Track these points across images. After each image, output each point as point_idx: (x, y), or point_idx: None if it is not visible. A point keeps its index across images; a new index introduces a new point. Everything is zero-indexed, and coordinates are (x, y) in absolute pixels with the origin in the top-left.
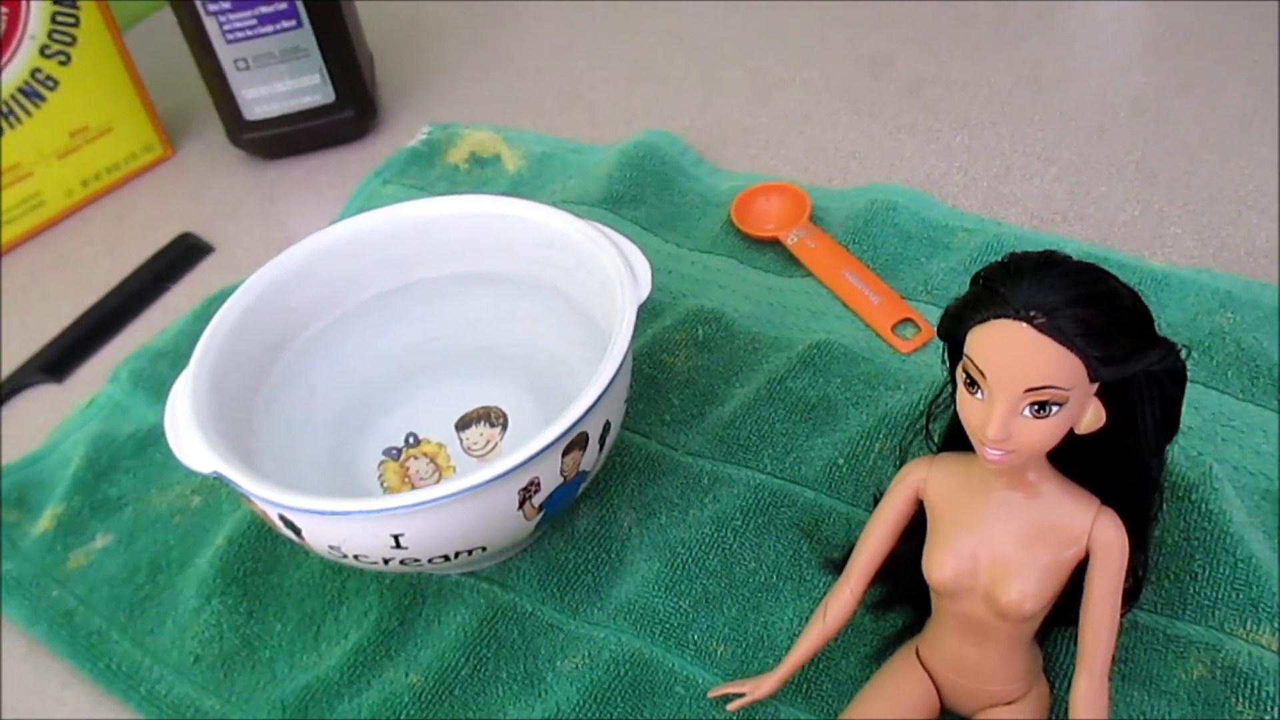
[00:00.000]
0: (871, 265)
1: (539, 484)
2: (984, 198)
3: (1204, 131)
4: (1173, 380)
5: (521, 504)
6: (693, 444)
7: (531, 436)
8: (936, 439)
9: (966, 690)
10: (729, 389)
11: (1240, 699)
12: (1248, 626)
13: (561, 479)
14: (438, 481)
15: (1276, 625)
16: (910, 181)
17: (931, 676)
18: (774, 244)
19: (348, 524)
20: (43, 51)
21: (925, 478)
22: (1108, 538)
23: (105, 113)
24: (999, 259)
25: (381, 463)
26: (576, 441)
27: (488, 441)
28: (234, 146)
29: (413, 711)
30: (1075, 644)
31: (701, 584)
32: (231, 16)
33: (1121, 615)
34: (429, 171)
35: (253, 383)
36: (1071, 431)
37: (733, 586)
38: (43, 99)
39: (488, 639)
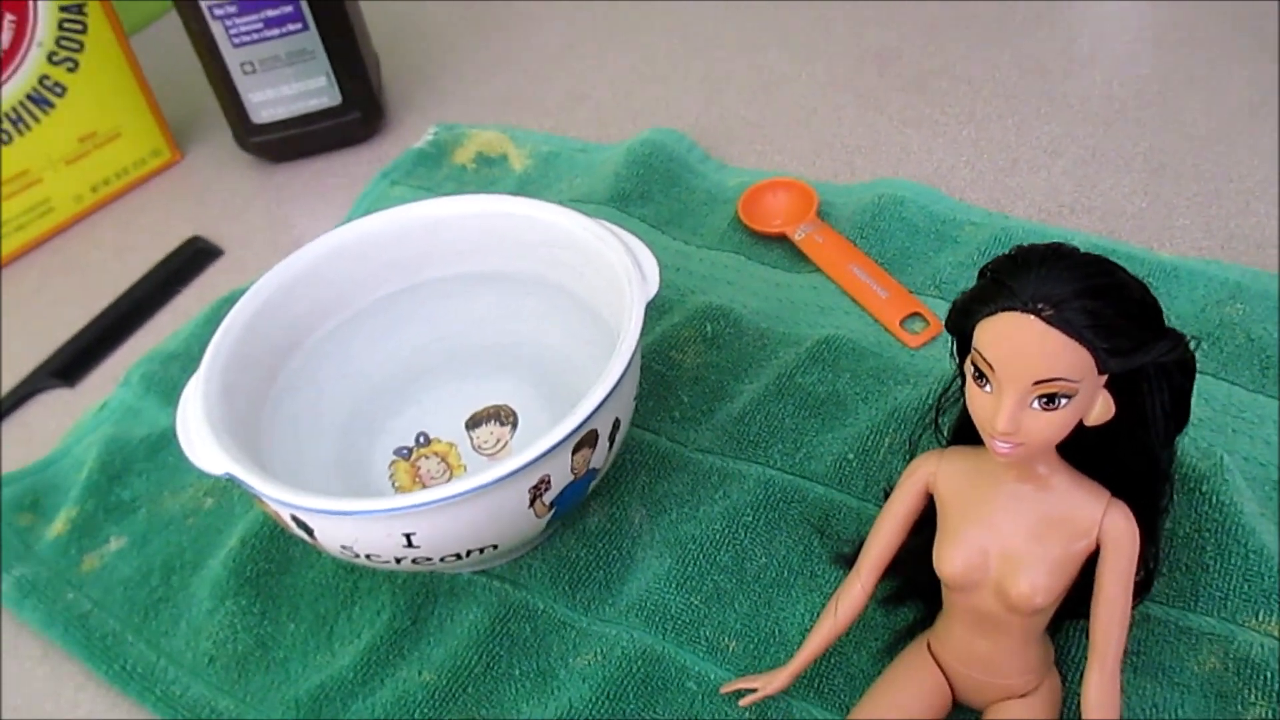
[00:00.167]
0: (879, 260)
1: (549, 482)
2: (991, 191)
3: (1211, 123)
4: (1182, 371)
5: (532, 502)
6: (703, 440)
7: (542, 434)
8: (946, 433)
9: (978, 684)
10: (738, 385)
11: (1253, 690)
12: (1260, 618)
13: (572, 476)
14: (449, 480)
15: None
16: (917, 176)
17: (943, 670)
18: (781, 240)
19: (359, 523)
20: (50, 58)
21: (935, 471)
22: (1118, 530)
23: (113, 118)
24: (1006, 252)
25: (393, 463)
26: (586, 439)
27: (498, 440)
28: (241, 150)
29: (426, 710)
30: (1087, 637)
31: (713, 580)
32: (237, 20)
33: (1133, 608)
34: (436, 172)
35: (263, 385)
36: (1081, 424)
37: (744, 582)
38: (51, 105)
39: (500, 637)
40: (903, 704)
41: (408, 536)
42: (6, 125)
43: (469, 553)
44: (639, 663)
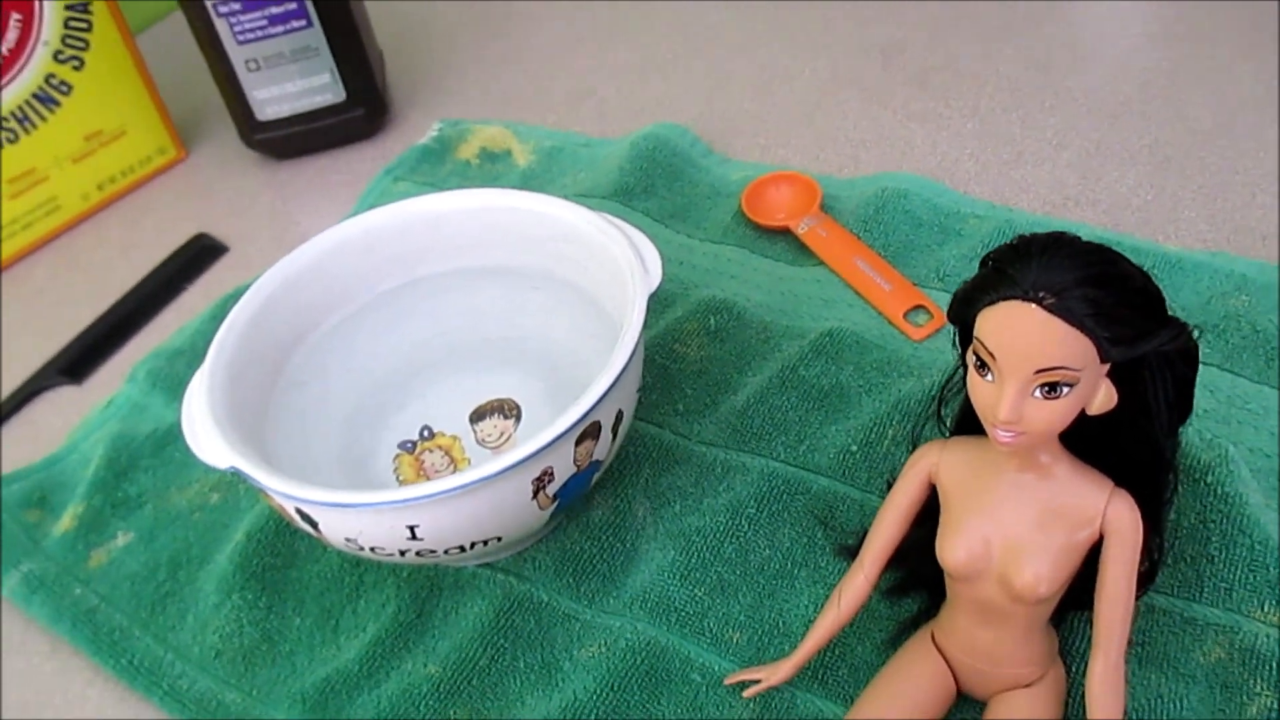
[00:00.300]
0: (883, 253)
1: (552, 473)
2: (995, 184)
3: (1216, 116)
4: (1185, 360)
5: (535, 494)
6: (706, 433)
7: (545, 427)
8: (948, 423)
9: (982, 674)
10: (741, 378)
11: (1259, 681)
12: (1265, 609)
13: (575, 468)
14: (453, 473)
15: None
16: (921, 170)
17: (947, 661)
18: (785, 233)
19: (364, 516)
20: (56, 57)
21: (937, 462)
22: (1122, 519)
23: (119, 116)
24: (1008, 241)
25: (396, 456)
26: (589, 431)
27: (501, 433)
28: (246, 147)
29: (432, 702)
30: (1091, 628)
31: (717, 572)
32: (242, 18)
33: (1137, 598)
34: (440, 168)
35: (267, 380)
36: (1084, 413)
37: (748, 574)
38: (57, 104)
39: (505, 629)
40: (907, 695)
41: (412, 529)
42: (13, 124)
43: (473, 545)
44: (643, 654)
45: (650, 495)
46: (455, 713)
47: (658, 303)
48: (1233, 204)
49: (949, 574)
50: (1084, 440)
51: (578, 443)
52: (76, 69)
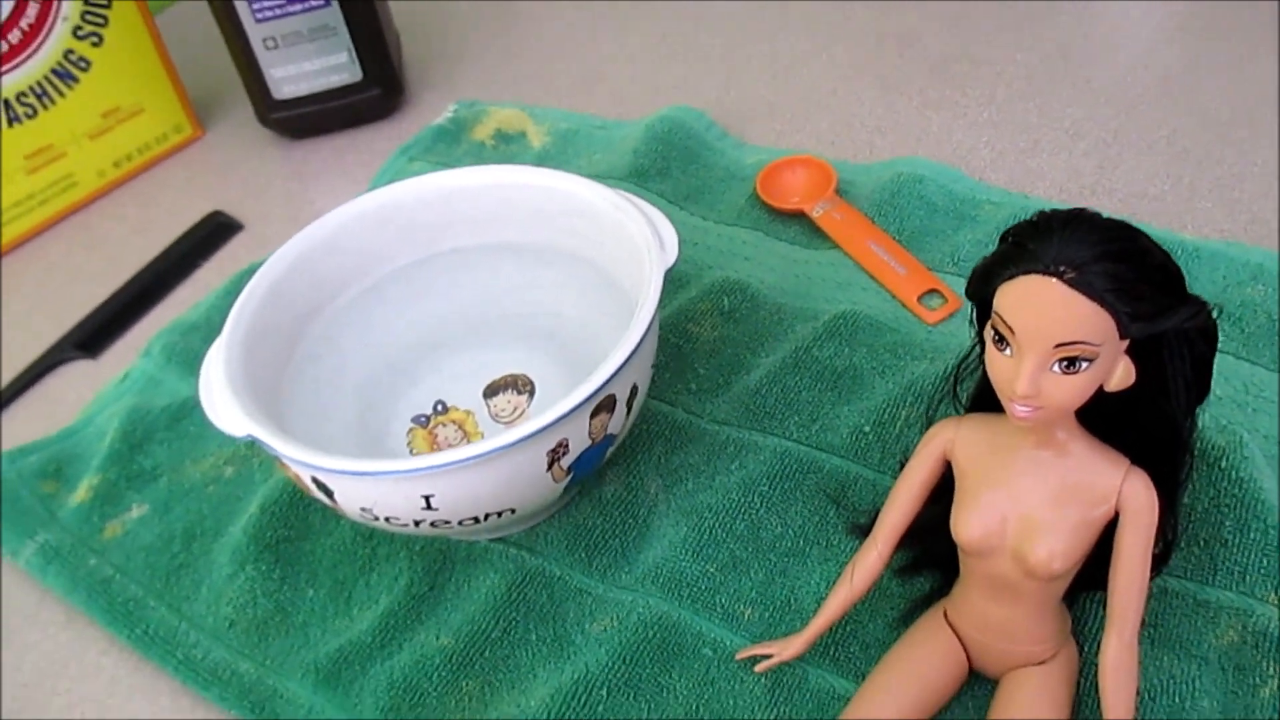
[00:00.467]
0: (898, 237)
1: (567, 445)
2: (1011, 172)
3: (1235, 108)
4: (1204, 339)
5: (550, 465)
6: (719, 412)
7: (558, 403)
8: (964, 401)
9: (995, 651)
10: (755, 359)
11: (1271, 663)
12: (1278, 592)
13: (590, 441)
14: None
15: None
16: (937, 157)
17: (960, 638)
18: (800, 217)
19: (379, 485)
20: (75, 33)
21: (953, 438)
22: (1138, 497)
23: (136, 94)
24: (1028, 217)
25: (410, 430)
26: (604, 404)
27: (515, 408)
28: (263, 126)
29: (444, 673)
30: (1104, 609)
31: (729, 548)
32: None
33: (1151, 579)
34: (455, 149)
35: (283, 352)
36: (1102, 390)
37: (759, 551)
38: (75, 80)
39: (517, 602)
40: (919, 671)
41: (427, 499)
42: (31, 99)
43: (487, 516)
44: (655, 629)
45: (663, 472)
46: (467, 684)
47: (671, 283)
48: (1250, 194)
49: (963, 550)
50: (1101, 418)
51: (593, 415)
52: (95, 45)
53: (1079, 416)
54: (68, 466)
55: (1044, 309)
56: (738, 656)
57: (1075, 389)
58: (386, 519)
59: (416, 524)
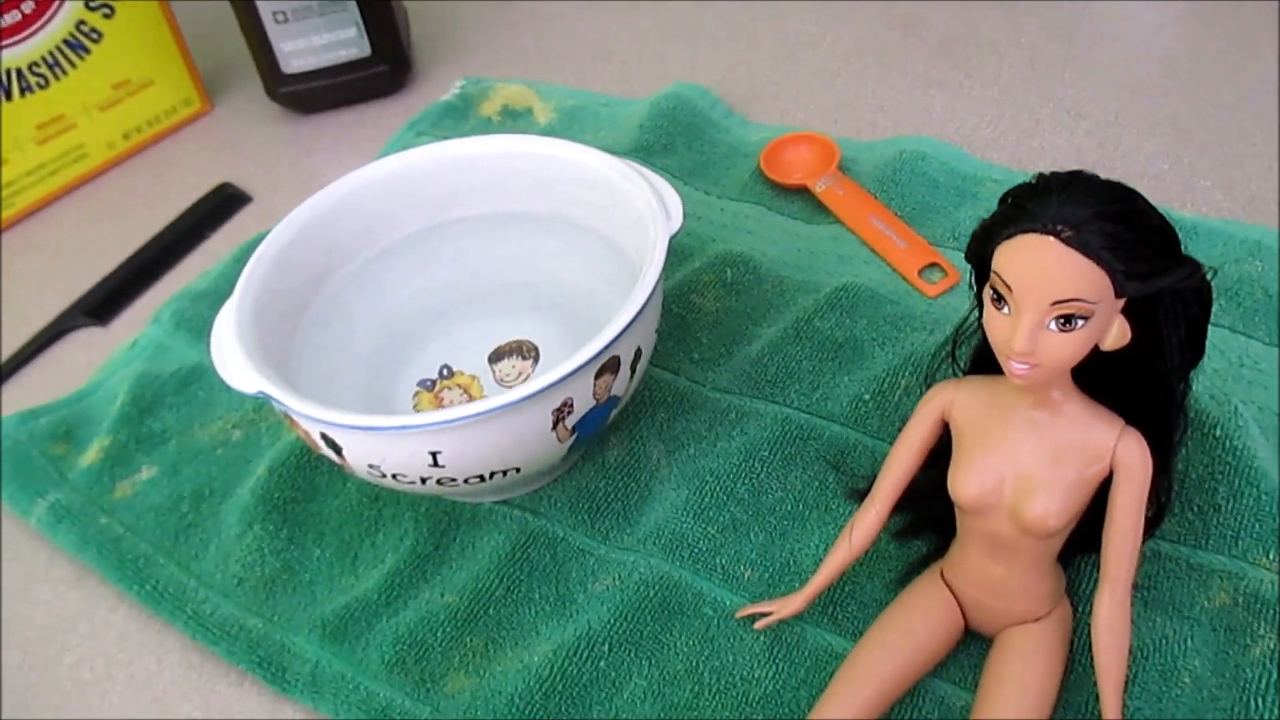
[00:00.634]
0: (899, 213)
1: (572, 405)
2: (1013, 151)
3: (1236, 90)
4: (1198, 301)
5: (555, 425)
6: (721, 381)
7: (563, 363)
8: (963, 364)
9: (991, 609)
10: (756, 329)
11: (1262, 624)
12: (1270, 556)
13: (594, 401)
14: None
15: None
16: (940, 136)
17: (956, 597)
18: (803, 192)
19: (387, 440)
20: (88, 4)
21: (951, 400)
22: (1132, 456)
23: (147, 67)
24: (1027, 180)
25: (416, 393)
26: (608, 365)
27: (520, 373)
28: (271, 101)
29: (449, 629)
30: (1098, 571)
31: (729, 511)
32: None
33: (1144, 541)
34: (462, 124)
35: (292, 316)
36: (1097, 351)
37: (760, 514)
38: (87, 51)
39: (520, 562)
40: (915, 628)
41: (434, 455)
42: (44, 69)
43: (492, 475)
44: (656, 588)
45: (665, 438)
46: (471, 640)
47: (675, 255)
48: (1249, 174)
49: (961, 508)
50: (1097, 379)
51: (597, 376)
52: (107, 16)
53: (1075, 378)
54: (78, 429)
55: (1042, 267)
56: (737, 615)
57: (1071, 346)
58: (394, 476)
59: (423, 481)
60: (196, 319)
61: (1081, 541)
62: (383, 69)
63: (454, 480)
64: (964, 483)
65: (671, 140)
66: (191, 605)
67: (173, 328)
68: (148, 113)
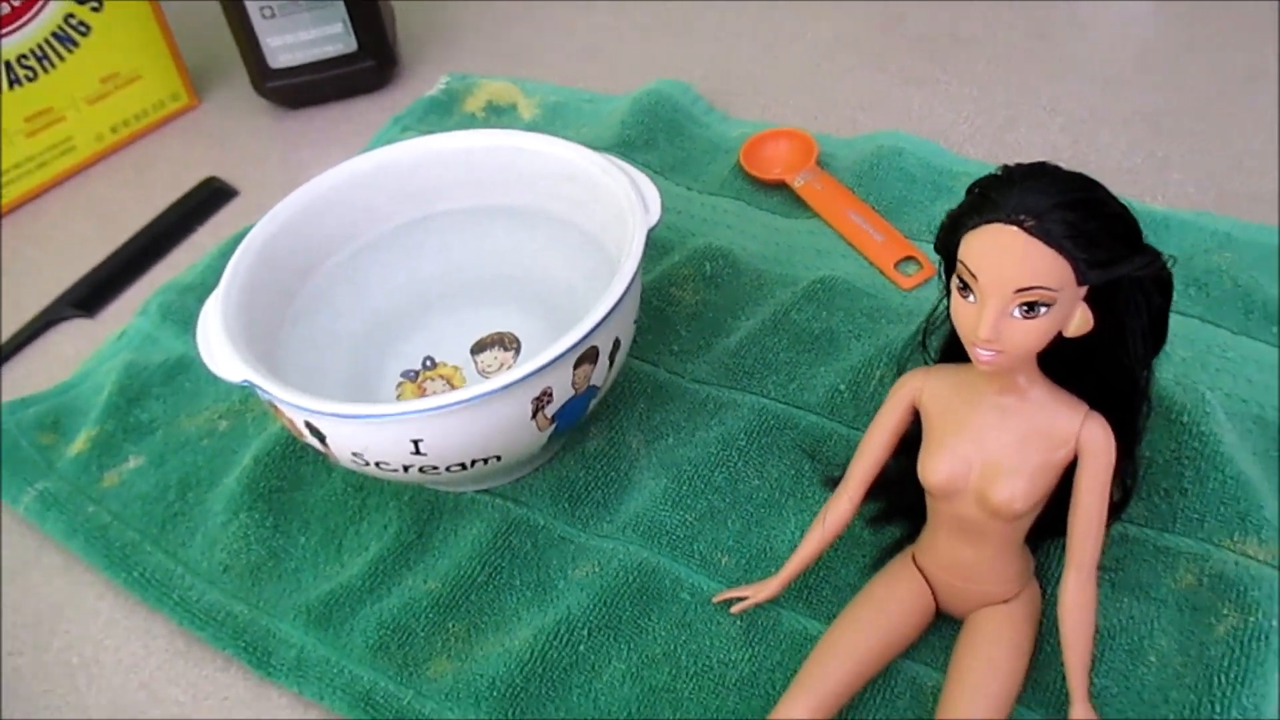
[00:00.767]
0: (877, 207)
1: (551, 394)
2: (990, 146)
3: (1209, 85)
4: (1159, 289)
5: (535, 414)
6: (699, 372)
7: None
8: (933, 353)
9: (960, 591)
10: (735, 322)
11: (1226, 604)
12: (1235, 538)
13: (573, 391)
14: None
15: (1263, 536)
16: (917, 132)
17: (927, 580)
18: (781, 187)
19: (370, 428)
20: None
21: (921, 387)
22: (1095, 439)
23: (135, 61)
24: (994, 171)
25: (400, 384)
26: (587, 355)
27: (501, 364)
28: (258, 96)
29: (431, 615)
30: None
31: (707, 499)
32: None
33: (1110, 525)
34: (447, 120)
35: (278, 307)
36: (1062, 338)
37: (737, 502)
38: (75, 44)
39: (502, 549)
40: (887, 610)
41: (416, 443)
42: (32, 62)
43: (474, 463)
44: (635, 574)
45: (644, 428)
46: (453, 625)
47: (655, 249)
48: (1221, 168)
49: (931, 492)
50: (1063, 366)
51: (576, 366)
52: (95, 10)
53: (1041, 365)
54: (66, 419)
55: (1005, 256)
56: (714, 599)
57: (1035, 333)
58: (377, 464)
59: (406, 469)
60: (183, 311)
61: (1050, 525)
62: (369, 64)
63: (436, 468)
64: (933, 468)
65: (653, 136)
66: (178, 592)
67: (160, 319)
68: (135, 106)
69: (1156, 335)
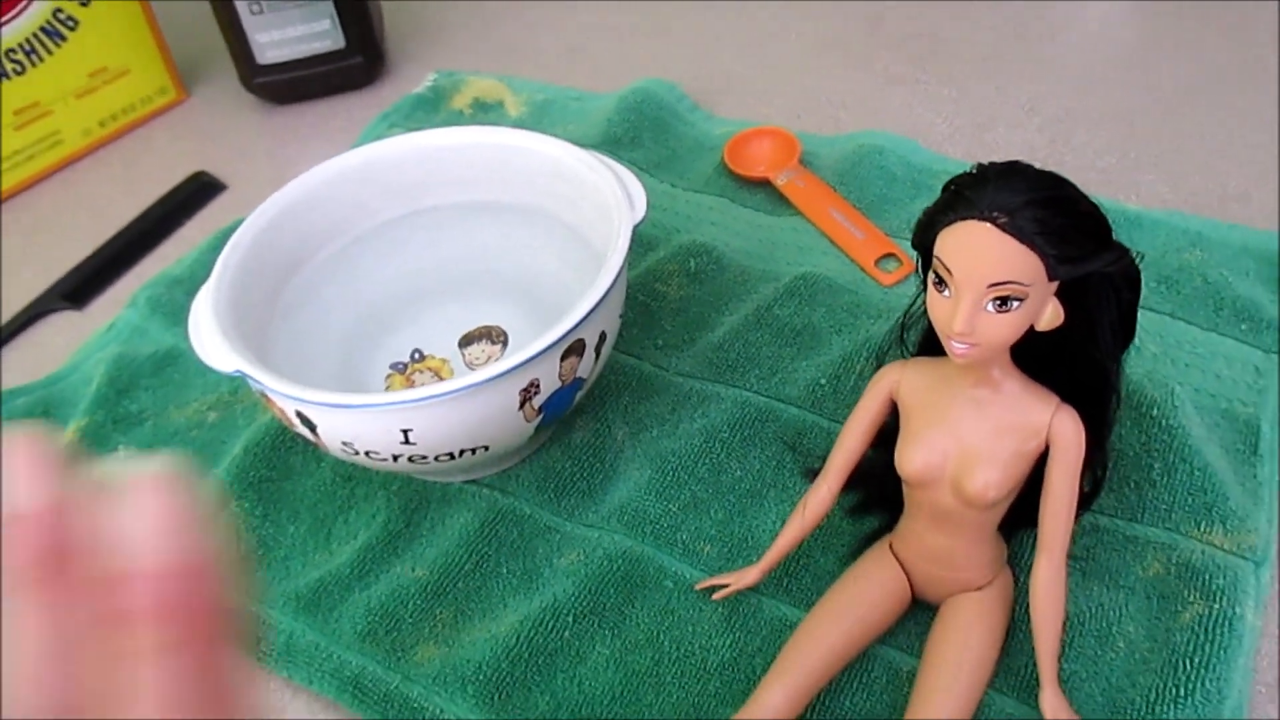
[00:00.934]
0: (858, 205)
1: (538, 385)
2: (968, 146)
3: (1180, 87)
4: (1128, 285)
5: (522, 405)
6: (683, 366)
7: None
8: (911, 347)
9: (936, 578)
10: (718, 317)
11: (1192, 591)
12: (1201, 528)
13: (560, 382)
14: None
15: (1228, 526)
16: (898, 131)
17: (904, 568)
18: (765, 185)
19: (361, 417)
20: None
21: (899, 379)
22: (1066, 430)
23: (122, 55)
24: (969, 169)
25: (389, 376)
26: (574, 348)
27: (489, 357)
28: (246, 91)
29: (419, 602)
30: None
31: (690, 490)
32: None
33: (1081, 515)
34: (434, 117)
35: (269, 300)
36: (1034, 332)
37: (719, 493)
38: (63, 39)
39: (489, 538)
40: (864, 597)
41: (405, 433)
42: (20, 56)
43: (462, 453)
44: (619, 562)
45: (629, 420)
46: (441, 611)
47: (640, 244)
48: (1192, 168)
49: (907, 482)
50: (1035, 360)
51: (563, 358)
52: (83, 4)
53: (1014, 358)
54: (55, 410)
55: (978, 251)
56: (696, 587)
57: (1008, 327)
58: (367, 453)
59: (395, 459)
60: (172, 304)
61: (1022, 515)
62: (357, 61)
63: (425, 458)
64: (910, 458)
65: (639, 134)
66: None
67: (149, 312)
68: (123, 101)
69: (1125, 329)
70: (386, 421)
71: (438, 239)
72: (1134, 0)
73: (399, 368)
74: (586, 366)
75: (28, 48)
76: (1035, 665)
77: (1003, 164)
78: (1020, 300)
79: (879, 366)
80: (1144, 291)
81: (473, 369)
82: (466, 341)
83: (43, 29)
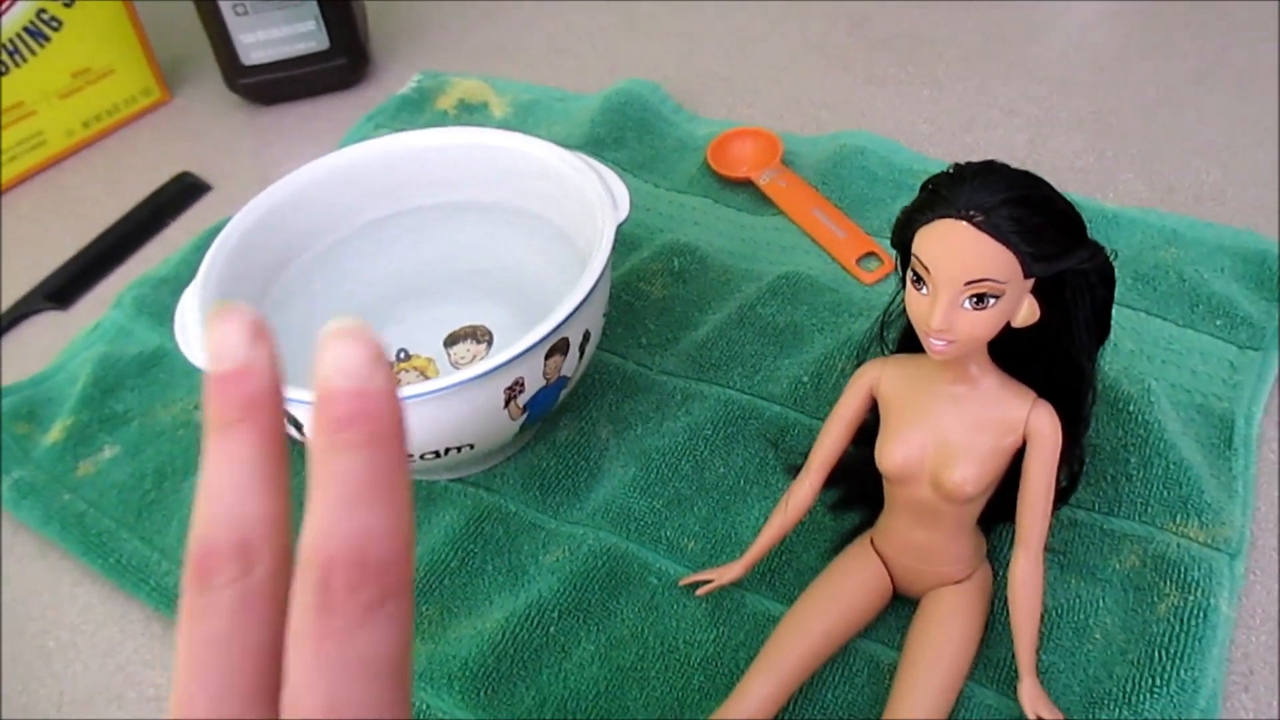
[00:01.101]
0: (839, 204)
1: (523, 384)
2: (949, 146)
3: (1159, 88)
4: (1103, 282)
5: (507, 403)
6: (667, 364)
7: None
8: (890, 345)
9: (917, 572)
10: (702, 316)
11: (1168, 583)
12: (1178, 521)
13: (544, 381)
14: None
15: (1204, 519)
16: (879, 131)
17: (885, 563)
18: (747, 185)
19: None
20: None
21: (879, 376)
22: (1042, 425)
23: (107, 56)
24: (946, 169)
25: None
26: (558, 346)
27: (474, 357)
28: (230, 92)
29: None
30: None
31: (674, 487)
32: None
33: (1058, 509)
34: (419, 118)
35: (255, 299)
36: (1011, 329)
37: (703, 489)
38: (47, 39)
39: (474, 536)
40: (845, 591)
41: None
42: (3, 56)
43: (447, 451)
44: (604, 559)
45: (613, 419)
46: (427, 609)
47: (624, 244)
48: (1169, 167)
49: (887, 477)
50: (1012, 357)
51: (547, 357)
52: (67, 5)
53: (992, 355)
54: (41, 409)
55: (955, 249)
56: (680, 582)
57: (984, 324)
58: None
59: None
60: (157, 304)
61: (1001, 509)
62: (341, 62)
63: (410, 456)
64: (889, 453)
65: (622, 134)
66: (154, 578)
67: (134, 312)
68: (107, 101)
69: (1100, 326)
70: None
71: (423, 239)
72: (1113, 2)
73: None
74: (571, 365)
75: (11, 48)
76: (1014, 657)
77: (979, 163)
78: (996, 297)
79: (859, 364)
80: (1120, 288)
81: (458, 368)
82: (452, 341)
83: (26, 29)
